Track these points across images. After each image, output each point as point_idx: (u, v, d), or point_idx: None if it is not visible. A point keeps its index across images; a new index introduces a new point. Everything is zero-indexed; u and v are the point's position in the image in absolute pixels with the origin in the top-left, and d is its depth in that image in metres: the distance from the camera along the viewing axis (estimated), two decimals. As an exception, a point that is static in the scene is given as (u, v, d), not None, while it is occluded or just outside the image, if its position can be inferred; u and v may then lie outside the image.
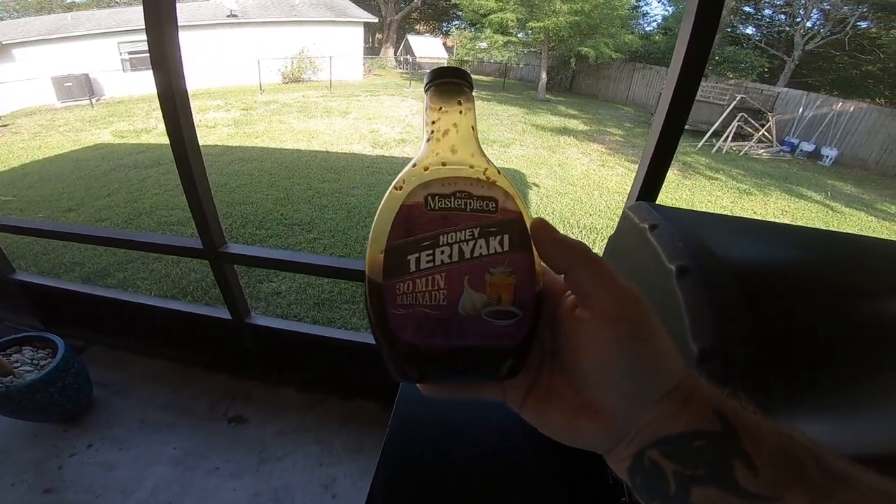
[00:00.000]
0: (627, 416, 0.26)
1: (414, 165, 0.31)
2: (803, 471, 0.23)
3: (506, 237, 0.29)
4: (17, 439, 1.77)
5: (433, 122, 0.32)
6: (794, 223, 5.89)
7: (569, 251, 0.28)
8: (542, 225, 0.29)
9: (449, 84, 0.32)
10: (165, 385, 2.03)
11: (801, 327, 0.58)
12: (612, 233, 0.89)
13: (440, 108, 0.32)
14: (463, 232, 0.29)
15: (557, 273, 0.29)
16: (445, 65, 0.33)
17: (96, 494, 1.59)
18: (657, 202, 1.15)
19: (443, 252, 0.29)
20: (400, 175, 0.31)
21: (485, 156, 0.32)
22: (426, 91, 0.33)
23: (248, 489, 1.64)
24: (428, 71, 0.33)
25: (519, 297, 0.29)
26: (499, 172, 0.31)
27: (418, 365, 0.29)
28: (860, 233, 5.82)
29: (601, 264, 0.27)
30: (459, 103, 0.32)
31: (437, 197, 0.29)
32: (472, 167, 0.30)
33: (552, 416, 0.29)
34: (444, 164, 0.30)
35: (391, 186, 0.30)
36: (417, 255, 0.28)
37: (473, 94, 0.33)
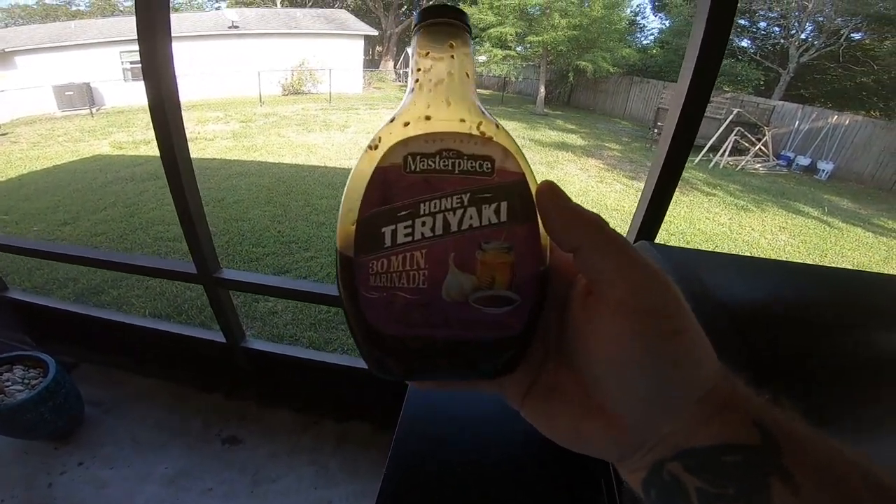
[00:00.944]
0: (645, 424, 0.22)
1: (392, 121, 0.26)
2: (849, 490, 0.20)
3: (503, 205, 0.24)
4: (7, 456, 1.74)
5: (418, 70, 0.27)
6: (790, 244, 5.92)
7: (581, 224, 0.23)
8: (551, 190, 0.24)
9: (441, 25, 0.26)
10: (158, 404, 2.01)
11: (789, 358, 0.59)
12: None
13: (427, 53, 0.26)
14: (449, 199, 0.24)
15: (565, 251, 0.24)
16: (439, 2, 0.28)
17: (86, 513, 1.57)
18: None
19: (424, 223, 0.24)
20: (376, 132, 0.25)
21: (481, 108, 0.26)
22: (414, 33, 0.27)
23: (241, 513, 1.61)
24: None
25: (517, 278, 0.24)
26: (497, 126, 0.26)
27: (394, 358, 0.25)
28: (858, 249, 5.86)
29: (620, 241, 0.23)
30: (451, 46, 0.27)
31: (418, 157, 0.24)
32: (462, 121, 0.25)
33: (556, 417, 0.25)
34: (428, 118, 0.25)
35: (366, 145, 0.25)
36: (393, 227, 0.24)
37: (471, 37, 0.28)
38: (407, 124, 0.25)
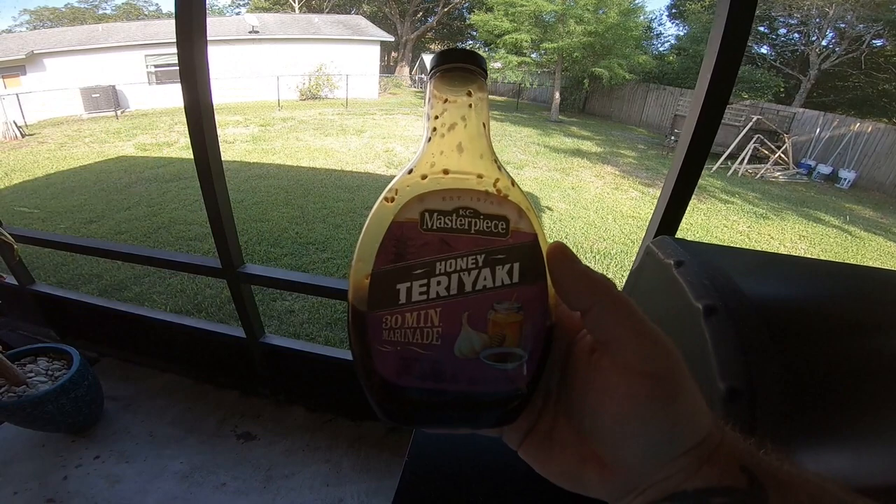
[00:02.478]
0: (640, 472, 0.24)
1: (410, 172, 0.26)
2: None
3: (515, 266, 0.25)
4: (24, 449, 1.77)
5: (436, 117, 0.26)
6: (810, 252, 5.79)
7: (591, 287, 0.24)
8: (562, 253, 0.25)
9: (458, 70, 0.26)
10: (176, 400, 2.03)
11: (828, 365, 0.57)
12: (634, 267, 0.87)
13: (445, 99, 0.26)
14: (465, 259, 0.24)
15: (573, 310, 0.25)
16: (455, 47, 0.28)
17: (98, 507, 1.58)
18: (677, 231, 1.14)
19: (439, 283, 0.24)
20: (393, 182, 0.25)
21: (497, 161, 0.27)
22: (430, 78, 0.27)
23: (254, 508, 1.62)
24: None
25: (525, 335, 0.25)
26: (512, 184, 0.26)
27: (402, 409, 0.25)
28: (880, 259, 5.71)
29: (628, 306, 0.24)
30: (469, 94, 0.26)
31: (435, 214, 0.24)
32: (479, 177, 0.25)
33: (552, 461, 0.27)
34: (445, 171, 0.25)
35: (381, 196, 0.25)
36: (409, 284, 0.24)
37: (487, 86, 0.28)
38: (424, 177, 0.25)
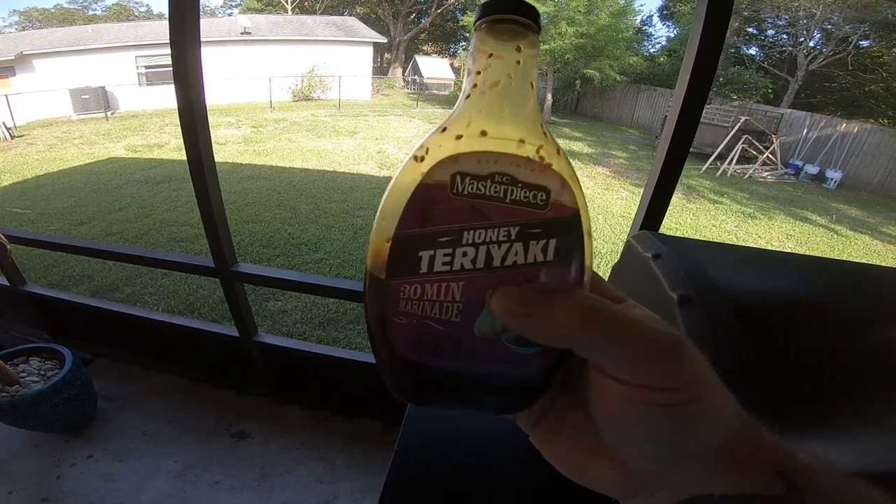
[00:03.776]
0: (652, 473, 0.22)
1: (443, 130, 0.23)
2: None
3: (552, 243, 0.22)
4: (18, 448, 1.77)
5: (478, 73, 0.23)
6: (797, 251, 5.88)
7: (562, 322, 0.21)
8: (508, 299, 0.21)
9: (509, 21, 0.23)
10: (170, 400, 2.04)
11: (798, 357, 0.59)
12: (616, 261, 0.91)
13: (490, 54, 0.23)
14: (496, 231, 0.22)
15: (556, 347, 0.22)
16: None
17: (93, 506, 1.59)
18: (661, 228, 1.17)
19: (465, 254, 0.22)
20: (424, 140, 0.23)
21: (542, 126, 0.23)
22: (475, 28, 0.24)
23: (248, 505, 1.63)
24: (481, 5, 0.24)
25: None
26: (558, 152, 0.23)
27: (415, 385, 0.24)
28: (866, 257, 5.81)
29: (616, 324, 0.20)
30: (519, 49, 0.23)
31: (468, 178, 0.22)
32: (521, 141, 0.22)
33: (562, 450, 0.25)
34: (483, 132, 0.22)
35: (411, 154, 0.23)
36: (432, 252, 0.22)
37: (539, 41, 0.24)
38: (459, 137, 0.22)
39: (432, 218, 0.22)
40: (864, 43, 14.31)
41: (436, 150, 0.22)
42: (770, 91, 15.83)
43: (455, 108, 0.24)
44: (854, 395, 0.58)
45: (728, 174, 9.65)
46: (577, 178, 0.23)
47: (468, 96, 0.23)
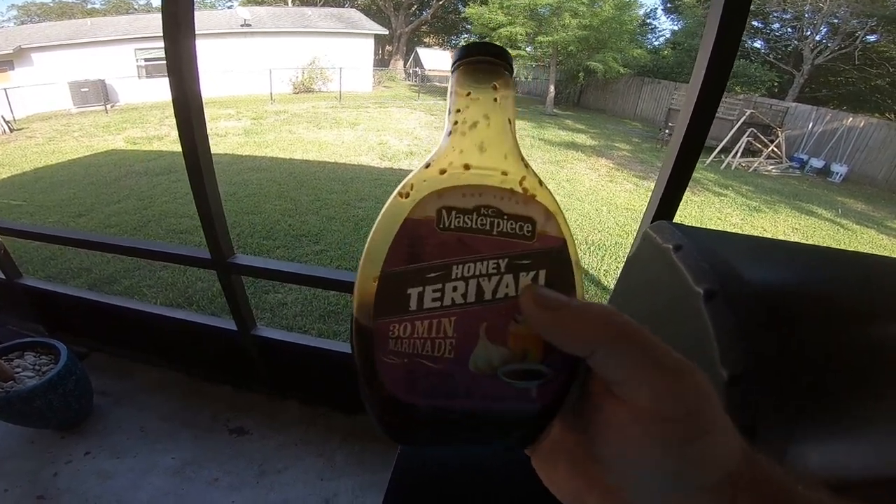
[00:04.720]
0: None
1: (427, 166, 0.24)
2: None
3: (541, 273, 0.22)
4: (14, 445, 1.74)
5: (458, 111, 0.25)
6: (810, 242, 5.83)
7: (589, 328, 0.21)
8: (536, 297, 0.22)
9: (483, 63, 0.25)
10: (168, 395, 2.01)
11: (829, 352, 0.56)
12: (631, 253, 0.86)
13: (468, 94, 0.25)
14: (485, 263, 0.22)
15: (576, 353, 0.21)
16: (480, 40, 0.27)
17: (90, 503, 1.56)
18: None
19: (455, 288, 0.22)
20: (408, 177, 0.24)
21: (523, 159, 0.25)
22: (452, 71, 0.26)
23: (247, 502, 1.60)
24: (459, 50, 0.26)
25: (551, 351, 0.22)
26: (540, 183, 0.24)
27: (408, 427, 0.23)
28: (872, 251, 5.75)
29: (643, 338, 0.20)
30: (495, 88, 0.25)
31: (453, 212, 0.22)
32: (504, 173, 0.23)
33: (558, 475, 0.25)
34: (467, 166, 0.23)
35: (395, 191, 0.23)
36: (421, 288, 0.22)
37: (514, 83, 0.26)
38: (443, 172, 0.23)
39: (420, 254, 0.22)
40: (871, 38, 14.15)
41: (420, 186, 0.23)
42: (775, 85, 15.69)
43: (439, 146, 0.24)
44: (875, 394, 0.55)
45: (733, 167, 9.59)
46: (560, 210, 0.24)
47: (450, 133, 0.24)
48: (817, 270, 0.73)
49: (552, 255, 0.23)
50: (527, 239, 0.23)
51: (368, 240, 0.23)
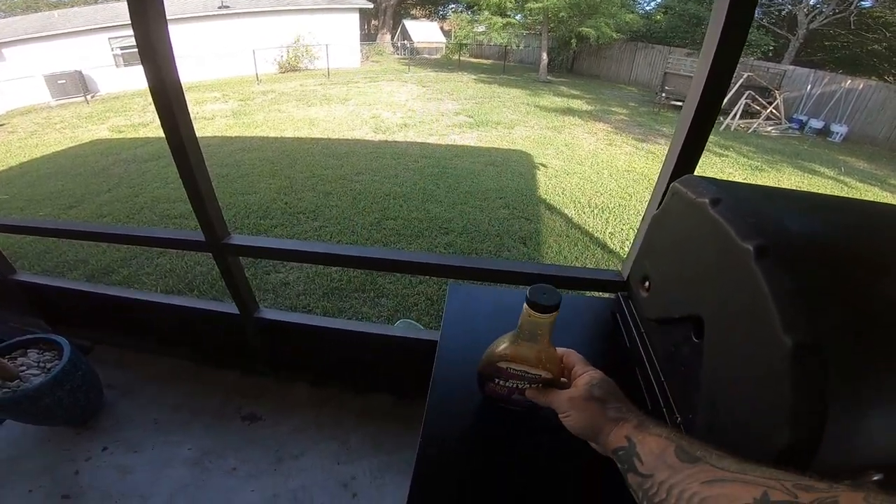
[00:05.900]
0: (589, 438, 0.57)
1: (504, 344, 0.66)
2: (666, 458, 0.42)
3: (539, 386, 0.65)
4: (31, 445, 1.72)
5: (521, 325, 0.62)
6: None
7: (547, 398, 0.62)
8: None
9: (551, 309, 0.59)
10: (175, 384, 1.98)
11: (888, 311, 0.50)
12: (657, 212, 0.80)
13: (530, 316, 0.59)
14: (517, 381, 0.67)
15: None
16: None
17: (114, 500, 1.55)
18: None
19: (507, 382, 0.68)
20: (503, 347, 0.66)
21: (552, 345, 0.64)
22: (526, 305, 0.59)
23: (266, 490, 1.59)
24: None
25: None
26: (555, 352, 0.64)
27: (492, 398, 0.73)
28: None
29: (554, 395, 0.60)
30: (544, 318, 0.59)
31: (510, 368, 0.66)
32: (538, 358, 0.64)
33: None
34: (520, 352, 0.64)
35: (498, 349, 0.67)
36: (499, 380, 0.68)
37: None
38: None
39: (500, 372, 0.67)
40: (866, 3, 13.81)
41: (498, 349, 0.66)
42: (770, 49, 15.34)
43: (508, 334, 0.66)
44: None
45: (732, 129, 9.48)
46: (560, 364, 0.64)
47: (517, 332, 0.63)
48: (860, 222, 0.67)
49: (545, 382, 0.64)
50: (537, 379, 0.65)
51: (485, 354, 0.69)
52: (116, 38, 13.46)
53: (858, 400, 0.46)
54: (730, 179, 0.76)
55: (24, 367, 1.65)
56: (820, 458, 0.44)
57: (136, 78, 12.77)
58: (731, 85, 10.01)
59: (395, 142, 7.48)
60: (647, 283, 0.82)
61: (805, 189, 6.24)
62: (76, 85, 12.04)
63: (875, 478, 0.46)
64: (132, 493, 1.57)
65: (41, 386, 1.56)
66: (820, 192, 6.16)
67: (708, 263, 0.62)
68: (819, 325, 0.46)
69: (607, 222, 4.60)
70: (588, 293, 1.62)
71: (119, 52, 13.66)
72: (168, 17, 1.06)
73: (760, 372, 0.49)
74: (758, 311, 0.50)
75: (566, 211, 4.88)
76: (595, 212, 4.87)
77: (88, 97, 12.10)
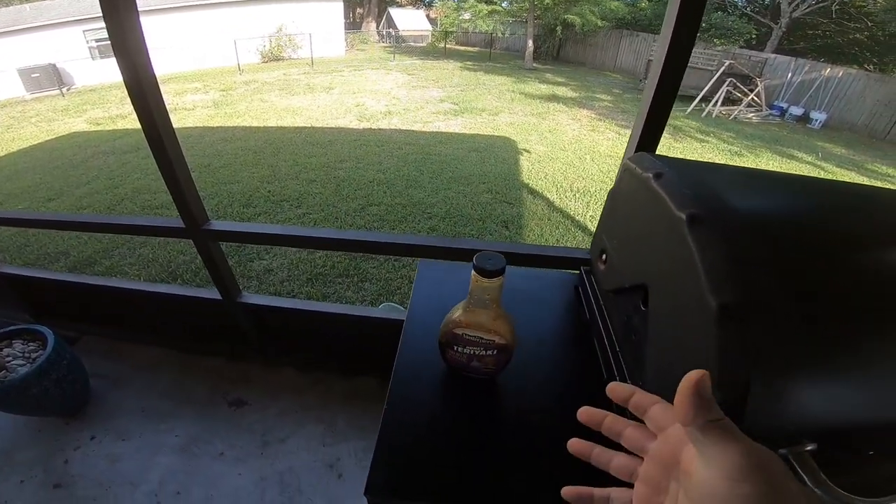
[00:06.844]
0: None
1: (457, 311, 0.70)
2: None
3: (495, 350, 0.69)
4: (21, 436, 1.74)
5: (472, 291, 0.65)
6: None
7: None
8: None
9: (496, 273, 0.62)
10: (162, 372, 2.00)
11: (828, 280, 0.52)
12: (612, 188, 0.85)
13: (478, 283, 0.63)
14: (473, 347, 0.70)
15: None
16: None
17: (105, 487, 1.58)
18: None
19: (464, 349, 0.71)
20: (455, 314, 0.69)
21: (504, 311, 0.69)
22: (474, 271, 0.62)
23: (253, 473, 1.62)
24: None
25: (493, 362, 0.71)
26: (508, 320, 0.69)
27: (453, 366, 0.75)
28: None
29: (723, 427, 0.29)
30: (492, 282, 0.63)
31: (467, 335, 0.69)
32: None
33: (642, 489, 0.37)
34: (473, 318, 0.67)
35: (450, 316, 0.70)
36: (459, 346, 0.71)
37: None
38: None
39: (460, 339, 0.70)
40: None
41: (453, 316, 0.69)
42: (753, 37, 15.45)
43: (461, 302, 0.69)
44: (873, 326, 0.49)
45: (713, 115, 9.58)
46: (513, 331, 0.69)
47: (468, 299, 0.67)
48: (805, 198, 0.71)
49: (498, 347, 0.69)
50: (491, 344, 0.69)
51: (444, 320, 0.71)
52: (91, 30, 13.13)
53: (789, 365, 0.46)
54: (676, 157, 0.79)
55: (10, 358, 1.66)
56: (750, 420, 0.44)
57: (113, 70, 12.39)
58: (713, 73, 10.13)
59: (380, 129, 7.44)
60: (604, 257, 0.86)
61: (784, 169, 6.36)
62: (50, 78, 11.75)
63: (809, 447, 0.46)
64: (122, 481, 1.60)
65: (27, 375, 1.57)
66: (798, 173, 6.31)
67: (652, 234, 0.65)
68: (749, 290, 0.48)
69: (588, 206, 4.67)
70: (562, 271, 1.67)
71: (94, 44, 13.33)
72: (147, 7, 1.07)
73: (694, 336, 0.50)
74: (690, 277, 0.52)
75: (548, 195, 4.94)
76: (576, 195, 4.94)
77: (64, 90, 11.81)
